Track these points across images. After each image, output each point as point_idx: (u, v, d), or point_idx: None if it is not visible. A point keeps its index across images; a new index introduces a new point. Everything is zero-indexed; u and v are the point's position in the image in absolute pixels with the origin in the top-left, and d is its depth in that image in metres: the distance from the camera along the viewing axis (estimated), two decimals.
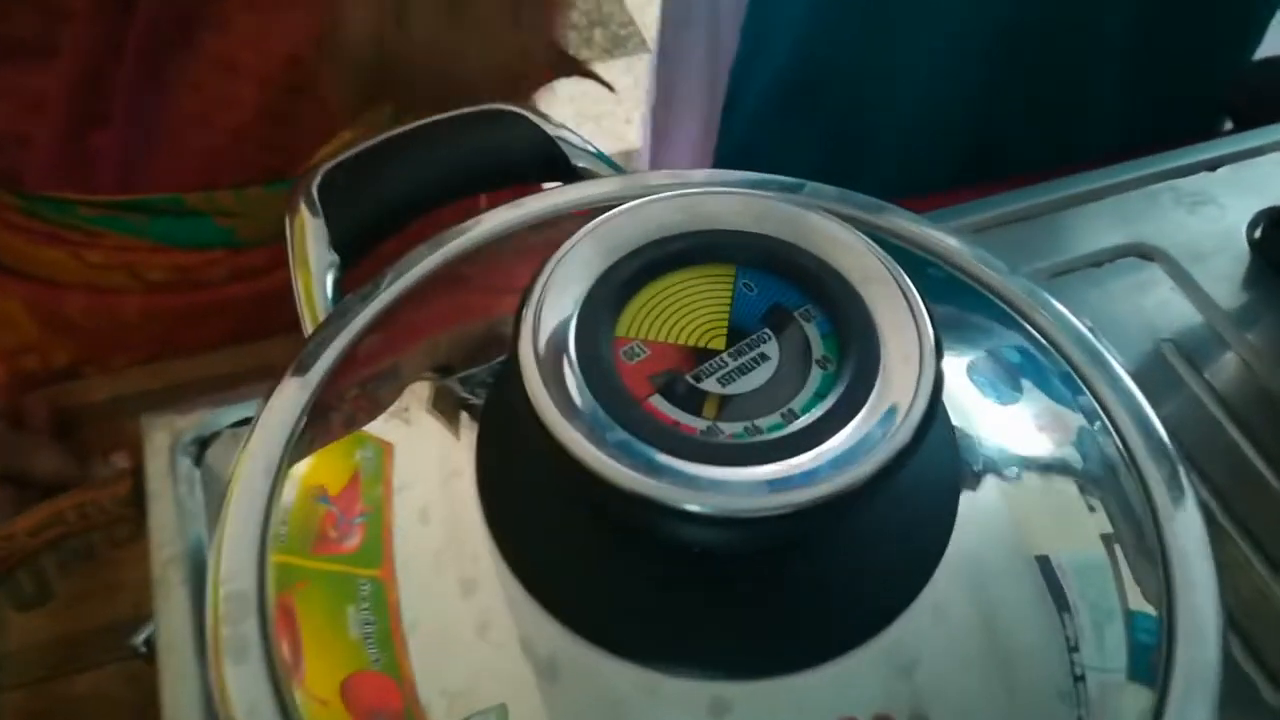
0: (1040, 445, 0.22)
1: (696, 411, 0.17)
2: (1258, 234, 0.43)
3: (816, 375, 0.18)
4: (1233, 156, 0.46)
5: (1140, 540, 0.21)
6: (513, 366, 0.17)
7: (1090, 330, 0.25)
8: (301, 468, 0.23)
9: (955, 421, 0.20)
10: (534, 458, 0.17)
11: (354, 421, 0.23)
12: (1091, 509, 0.21)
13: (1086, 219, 0.44)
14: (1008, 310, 0.26)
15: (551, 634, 0.18)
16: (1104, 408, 0.23)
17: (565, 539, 0.18)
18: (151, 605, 0.43)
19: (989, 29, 0.57)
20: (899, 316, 0.18)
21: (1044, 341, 0.25)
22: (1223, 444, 0.37)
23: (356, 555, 0.21)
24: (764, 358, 0.18)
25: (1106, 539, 0.21)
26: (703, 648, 0.18)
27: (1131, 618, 0.20)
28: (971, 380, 0.23)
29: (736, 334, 0.18)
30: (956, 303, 0.26)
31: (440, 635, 0.19)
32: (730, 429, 0.17)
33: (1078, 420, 0.23)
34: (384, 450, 0.22)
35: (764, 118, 0.63)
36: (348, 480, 0.22)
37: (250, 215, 0.51)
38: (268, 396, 0.24)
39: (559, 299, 0.18)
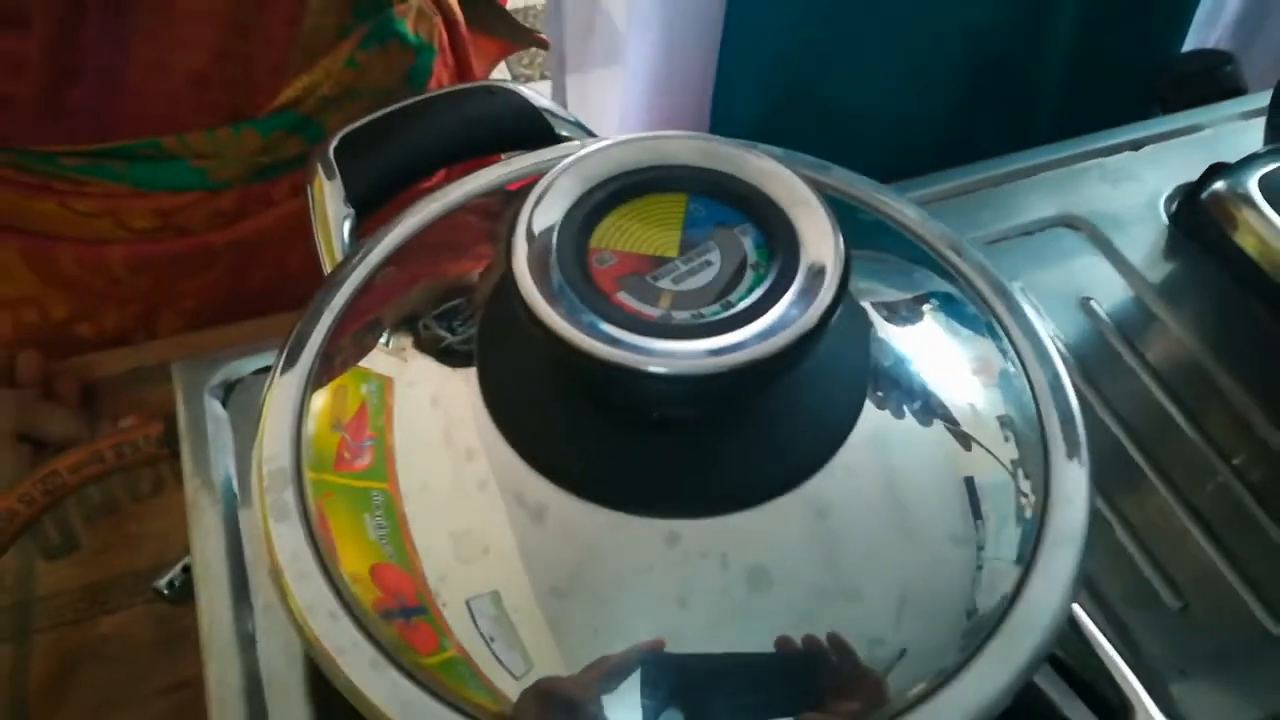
0: (945, 350, 0.27)
1: (654, 303, 0.22)
2: (1174, 207, 0.47)
3: (750, 276, 0.22)
4: (1155, 138, 0.51)
5: (1028, 428, 0.26)
6: (507, 270, 0.22)
7: (1017, 287, 0.30)
8: (319, 399, 0.27)
9: (882, 335, 0.25)
10: (524, 341, 0.22)
11: (361, 355, 0.27)
12: (988, 403, 0.26)
13: (1021, 193, 0.49)
14: (930, 253, 0.30)
15: (538, 487, 0.22)
16: (996, 318, 0.27)
17: (549, 407, 0.23)
18: (174, 551, 0.47)
19: (956, 38, 0.62)
20: (817, 231, 0.22)
21: (956, 275, 0.29)
22: (1136, 387, 0.42)
23: (367, 472, 0.25)
24: (708, 264, 0.22)
25: (1000, 420, 0.25)
26: (659, 493, 0.22)
27: (1016, 483, 0.24)
28: (894, 310, 0.27)
29: (687, 245, 0.23)
30: (885, 245, 0.30)
31: (441, 520, 0.23)
32: (680, 315, 0.21)
33: (977, 330, 0.27)
34: (385, 384, 0.26)
35: (753, 121, 0.68)
36: (356, 410, 0.27)
37: (221, 156, 0.55)
38: (295, 324, 0.29)
39: (544, 217, 0.23)
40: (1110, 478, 0.38)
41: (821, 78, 0.66)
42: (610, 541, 0.22)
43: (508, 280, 0.22)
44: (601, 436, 0.22)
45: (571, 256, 0.22)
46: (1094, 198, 0.48)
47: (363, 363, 0.27)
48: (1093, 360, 0.42)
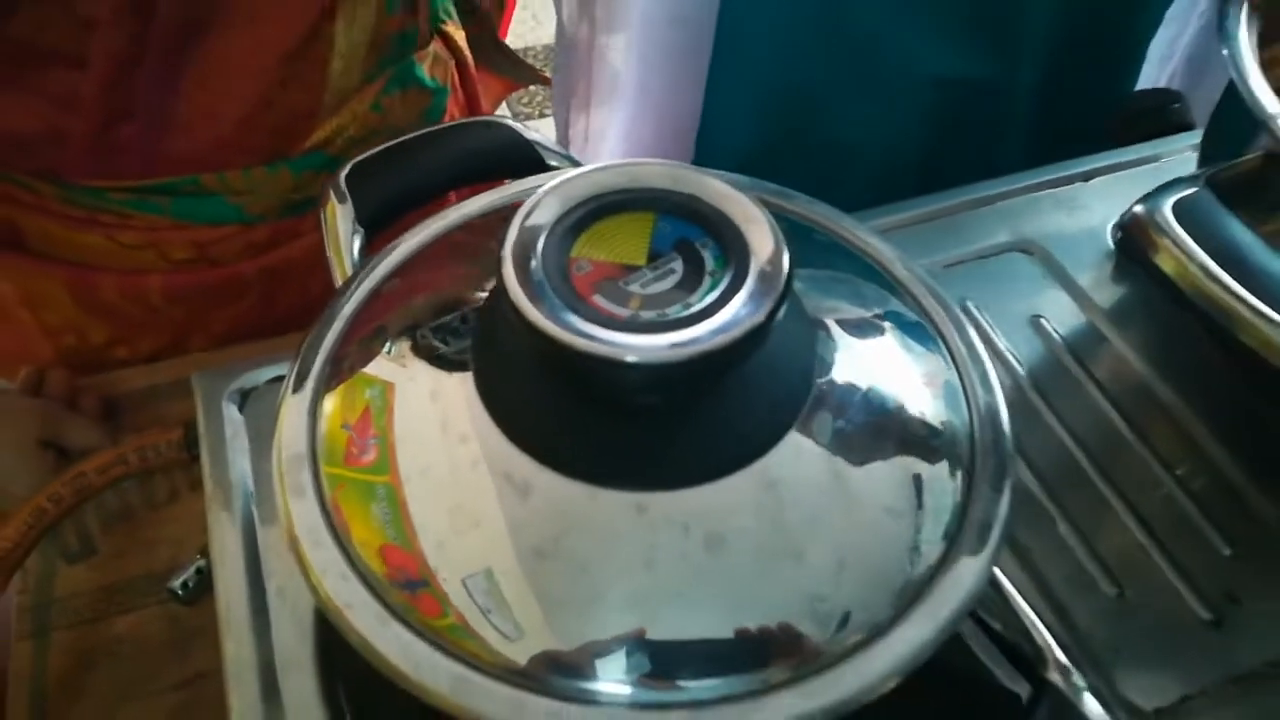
0: (887, 353, 0.30)
1: (624, 304, 0.25)
2: (1119, 234, 0.51)
3: (708, 281, 0.26)
4: (1105, 170, 0.55)
5: (959, 419, 0.29)
6: (499, 276, 0.25)
7: (966, 302, 0.33)
8: (329, 401, 0.30)
9: (831, 339, 0.28)
10: (513, 338, 0.25)
11: (367, 360, 0.31)
12: (922, 397, 0.29)
13: (978, 221, 0.53)
14: (877, 268, 0.34)
15: (524, 465, 0.26)
16: (935, 326, 0.31)
17: (534, 395, 0.26)
18: (187, 555, 0.51)
19: (928, 85, 0.67)
20: (766, 244, 0.26)
21: (899, 288, 0.33)
22: (1084, 399, 0.46)
23: (373, 467, 0.28)
24: (672, 271, 0.26)
25: (933, 411, 0.29)
26: (630, 469, 0.26)
27: (946, 467, 0.28)
28: (842, 319, 0.31)
29: (654, 256, 0.26)
30: (837, 263, 0.34)
31: (439, 500, 0.27)
32: (647, 314, 0.25)
33: (916, 337, 0.31)
34: (387, 388, 0.30)
35: (739, 155, 0.72)
36: (361, 412, 0.30)
37: (256, 192, 0.59)
38: (309, 330, 0.32)
39: (531, 231, 0.26)
40: (1055, 477, 0.42)
41: (806, 119, 0.70)
42: (586, 511, 0.25)
43: (500, 285, 0.25)
44: (580, 421, 0.26)
45: (554, 265, 0.26)
46: (1047, 225, 0.52)
47: (367, 369, 0.30)
48: (1043, 374, 0.46)
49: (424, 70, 0.66)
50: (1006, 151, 0.70)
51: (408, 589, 0.26)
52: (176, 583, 0.50)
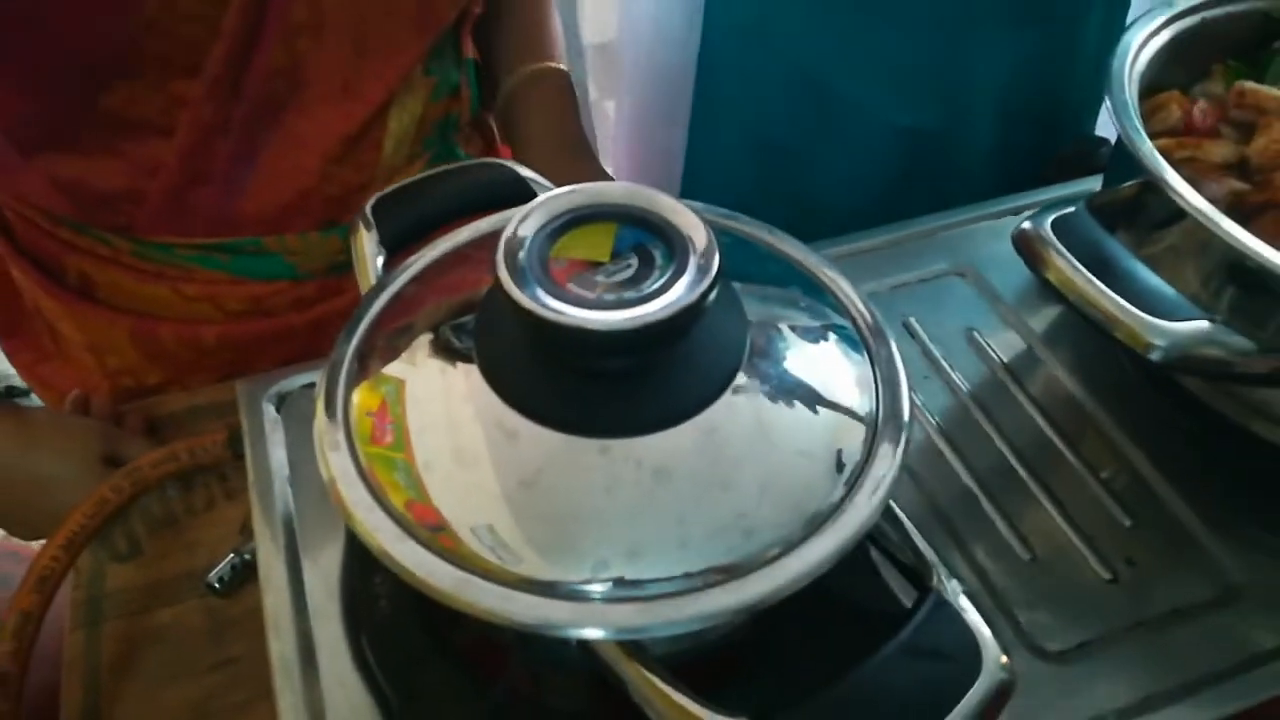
0: (809, 337, 0.37)
1: (591, 290, 0.32)
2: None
3: (656, 273, 0.33)
4: (1033, 205, 0.62)
5: (865, 388, 0.36)
6: (495, 273, 0.33)
7: (892, 320, 0.40)
8: (356, 395, 0.37)
9: (760, 325, 0.35)
10: (506, 319, 0.32)
11: (386, 355, 0.38)
12: (837, 369, 0.36)
13: (921, 250, 0.60)
14: (801, 271, 0.41)
15: (512, 418, 0.33)
16: (850, 318, 0.38)
17: (521, 362, 0.33)
18: (225, 556, 0.57)
19: (890, 133, 0.75)
20: (705, 246, 0.33)
21: (821, 287, 0.40)
22: (1008, 395, 0.52)
23: (392, 446, 0.35)
24: (629, 266, 0.33)
25: (844, 380, 0.35)
26: (595, 421, 0.32)
27: (852, 422, 0.35)
28: (771, 312, 0.38)
29: (615, 255, 0.34)
30: (770, 268, 0.41)
31: (446, 453, 0.34)
32: (609, 297, 0.32)
33: (833, 325, 0.38)
34: (399, 387, 0.37)
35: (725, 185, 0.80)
36: (380, 403, 0.37)
37: (309, 253, 0.67)
38: (346, 325, 0.39)
39: (520, 237, 0.34)
40: (982, 467, 0.49)
41: (778, 168, 0.78)
42: (561, 452, 0.32)
43: (495, 277, 0.32)
44: (557, 382, 0.33)
45: (537, 261, 0.33)
46: (981, 253, 0.59)
47: (386, 369, 0.37)
48: (972, 372, 0.53)
49: (460, 148, 0.74)
50: (956, 192, 0.78)
51: (428, 530, 0.33)
52: (214, 575, 0.57)
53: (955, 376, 0.53)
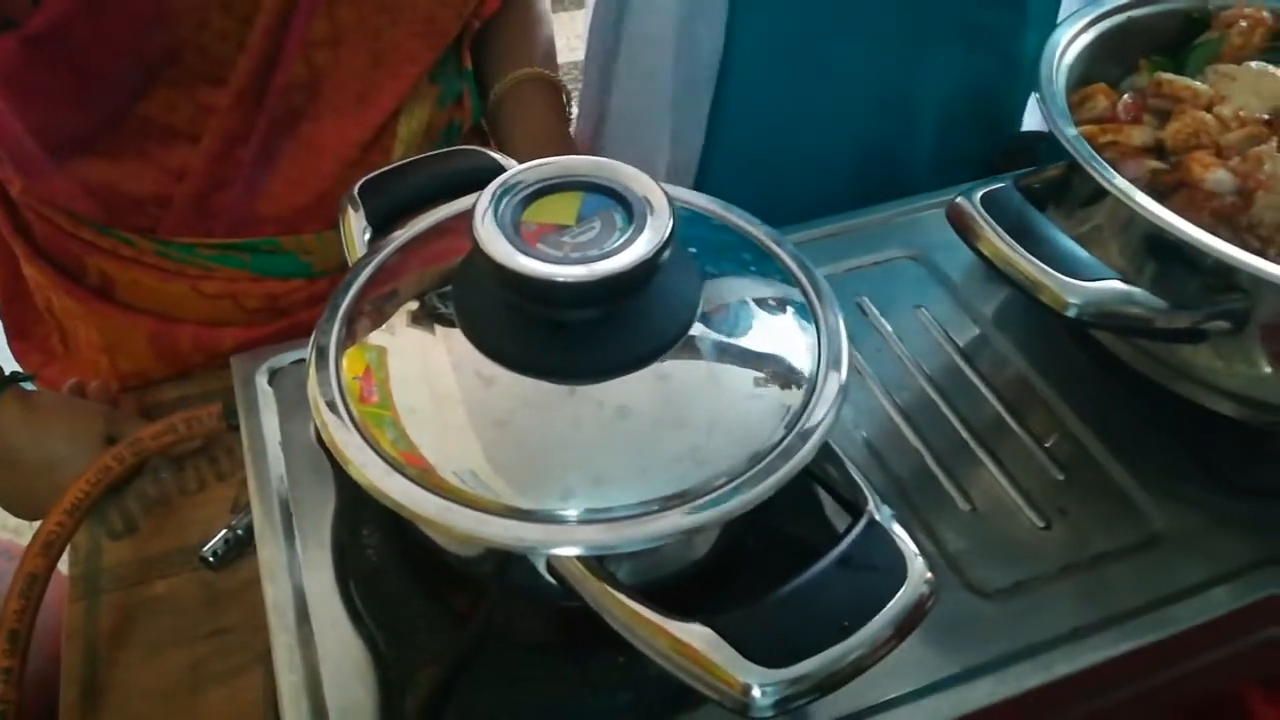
0: (757, 295, 0.41)
1: (559, 249, 0.36)
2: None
3: (616, 234, 0.37)
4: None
5: (807, 341, 0.40)
6: (473, 234, 0.36)
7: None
8: (344, 361, 0.40)
9: (717, 284, 0.39)
10: (482, 275, 0.36)
11: (373, 326, 0.41)
12: (782, 328, 0.40)
13: (876, 235, 0.64)
14: (750, 239, 0.44)
15: (488, 366, 0.36)
16: (798, 283, 0.42)
17: (496, 314, 0.37)
18: (217, 533, 0.59)
19: (847, 138, 0.79)
20: (661, 211, 0.37)
21: (769, 253, 0.44)
22: (951, 363, 0.56)
23: (379, 405, 0.39)
24: (593, 228, 0.37)
25: (788, 335, 0.39)
26: (563, 367, 0.36)
27: (795, 371, 0.38)
28: (722, 270, 0.42)
29: (580, 219, 0.37)
30: (730, 239, 0.45)
31: (429, 399, 0.37)
32: (574, 255, 0.36)
33: (779, 281, 0.42)
34: (383, 350, 0.40)
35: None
36: (365, 368, 0.40)
37: (324, 252, 0.71)
38: (334, 292, 0.43)
39: (497, 203, 0.37)
40: (916, 415, 0.52)
41: (745, 171, 0.83)
42: (532, 395, 0.36)
43: (473, 238, 0.36)
44: (528, 332, 0.37)
45: (510, 223, 0.37)
46: (932, 237, 0.63)
47: (370, 337, 0.40)
48: (921, 345, 0.57)
49: None
50: (913, 180, 0.82)
51: (417, 471, 0.36)
52: (207, 549, 0.60)
53: (903, 348, 0.57)
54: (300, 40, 0.62)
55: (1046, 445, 0.52)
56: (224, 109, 0.62)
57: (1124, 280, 0.44)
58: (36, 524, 0.58)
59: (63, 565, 0.60)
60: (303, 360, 0.43)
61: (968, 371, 0.56)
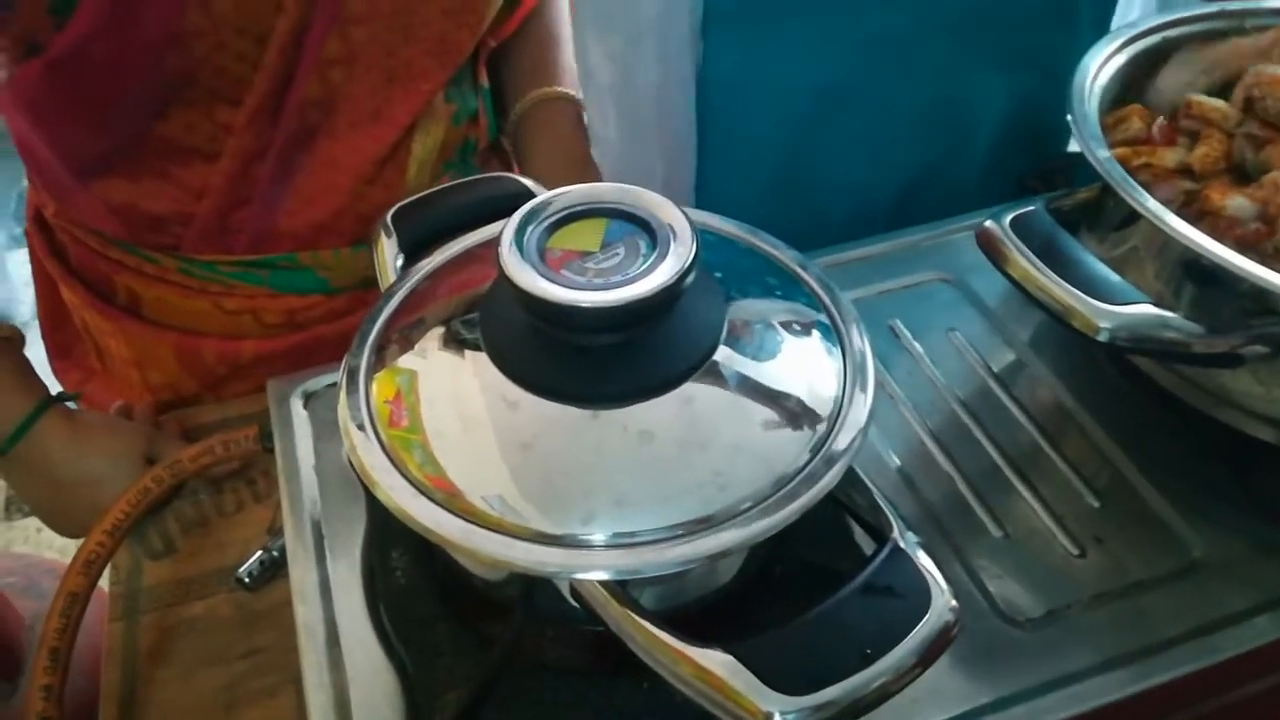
0: (785, 321, 0.41)
1: (583, 275, 0.36)
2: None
3: (640, 260, 0.37)
4: None
5: (833, 368, 0.39)
6: (499, 261, 0.37)
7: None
8: (374, 386, 0.41)
9: (743, 310, 0.39)
10: (509, 301, 0.36)
11: (400, 348, 0.42)
12: (808, 353, 0.40)
13: (909, 258, 0.64)
14: (781, 266, 0.44)
15: (513, 391, 0.37)
16: (824, 309, 0.42)
17: (521, 340, 0.37)
18: (251, 552, 0.60)
19: (889, 164, 0.79)
20: (684, 238, 0.37)
21: (795, 278, 0.44)
22: (984, 387, 0.56)
23: (408, 429, 0.39)
24: (617, 254, 0.37)
25: (815, 362, 0.39)
26: (587, 391, 0.36)
27: (820, 399, 0.38)
28: (750, 299, 0.42)
29: (605, 245, 0.38)
30: (757, 265, 0.45)
31: (455, 423, 0.38)
32: (598, 281, 0.36)
33: (806, 306, 0.41)
34: (413, 375, 0.41)
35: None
36: (395, 393, 0.41)
37: (341, 268, 0.72)
38: (365, 319, 0.44)
39: (522, 230, 0.38)
40: (948, 441, 0.52)
41: (782, 196, 0.83)
42: (556, 419, 0.36)
43: (499, 266, 0.37)
44: (552, 357, 0.37)
45: (536, 250, 0.37)
46: (966, 261, 0.63)
47: (400, 361, 0.41)
48: (954, 368, 0.56)
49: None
50: (955, 203, 0.82)
51: (443, 495, 0.36)
52: (243, 570, 0.61)
53: (936, 372, 0.57)
54: (315, 59, 0.63)
55: (1081, 471, 0.51)
56: (241, 128, 0.63)
57: (1157, 304, 0.43)
58: (79, 542, 0.59)
59: (104, 584, 0.62)
60: (336, 384, 0.44)
61: (1001, 396, 0.55)
